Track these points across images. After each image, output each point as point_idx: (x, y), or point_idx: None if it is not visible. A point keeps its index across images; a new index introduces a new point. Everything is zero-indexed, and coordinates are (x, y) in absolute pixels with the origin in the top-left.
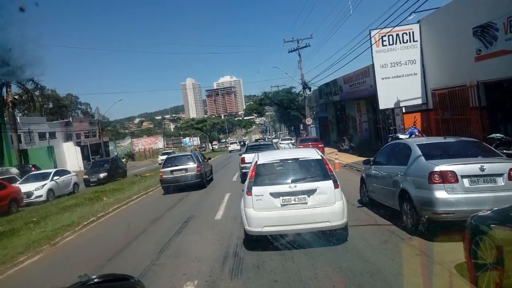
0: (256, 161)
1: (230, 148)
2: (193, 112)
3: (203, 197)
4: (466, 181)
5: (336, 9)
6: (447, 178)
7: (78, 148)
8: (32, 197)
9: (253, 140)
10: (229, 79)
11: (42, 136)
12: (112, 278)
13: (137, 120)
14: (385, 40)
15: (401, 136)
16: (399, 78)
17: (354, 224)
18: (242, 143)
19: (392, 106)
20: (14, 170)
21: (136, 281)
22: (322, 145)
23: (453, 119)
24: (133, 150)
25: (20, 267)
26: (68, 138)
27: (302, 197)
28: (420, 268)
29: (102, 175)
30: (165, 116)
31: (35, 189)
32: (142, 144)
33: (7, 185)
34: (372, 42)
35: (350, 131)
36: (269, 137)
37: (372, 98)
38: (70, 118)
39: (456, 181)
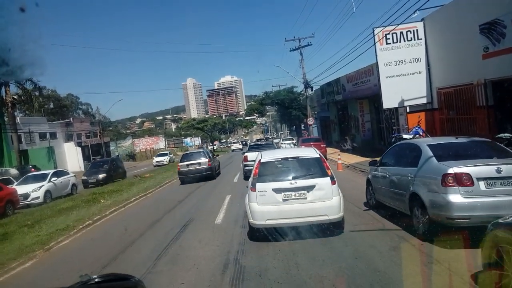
0: (260, 160)
1: (232, 147)
2: (194, 112)
3: (203, 199)
4: (482, 184)
5: (339, 7)
6: (462, 180)
7: (79, 149)
8: (29, 199)
9: (254, 140)
10: (230, 79)
11: (42, 136)
12: (113, 278)
13: (138, 120)
14: (389, 38)
15: (405, 136)
16: (404, 77)
17: (361, 229)
18: (244, 143)
19: (396, 105)
20: (14, 171)
21: (137, 280)
22: (325, 145)
23: (458, 118)
24: (134, 150)
25: (11, 273)
26: (69, 138)
27: (302, 192)
28: (436, 279)
29: (101, 176)
30: (166, 116)
31: (32, 190)
32: (143, 144)
33: (2, 186)
34: (376, 40)
35: (353, 131)
36: (269, 137)
37: (375, 97)
38: (71, 118)
39: (472, 184)
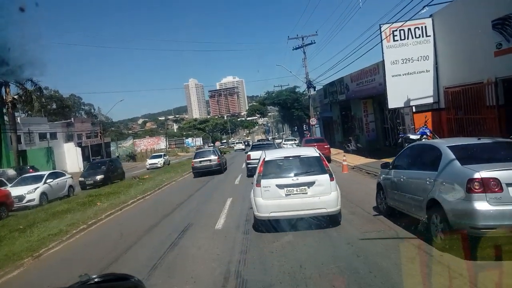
0: (264, 158)
1: (236, 147)
2: (196, 113)
3: (203, 202)
4: None
5: (344, 4)
6: (489, 186)
7: (79, 149)
8: (24, 201)
9: (256, 140)
10: (231, 80)
11: (42, 136)
12: (113, 278)
13: (140, 121)
14: (396, 35)
15: (411, 136)
16: (410, 76)
17: (373, 237)
18: (246, 143)
19: (401, 105)
20: (12, 172)
21: (137, 280)
22: (328, 145)
23: (467, 118)
24: (135, 151)
25: None
26: (69, 138)
27: (303, 188)
28: None
29: (98, 177)
30: (168, 117)
31: (27, 192)
32: (144, 144)
33: None
34: (383, 38)
35: (357, 131)
36: (270, 138)
37: (380, 97)
38: (72, 118)
39: (501, 190)
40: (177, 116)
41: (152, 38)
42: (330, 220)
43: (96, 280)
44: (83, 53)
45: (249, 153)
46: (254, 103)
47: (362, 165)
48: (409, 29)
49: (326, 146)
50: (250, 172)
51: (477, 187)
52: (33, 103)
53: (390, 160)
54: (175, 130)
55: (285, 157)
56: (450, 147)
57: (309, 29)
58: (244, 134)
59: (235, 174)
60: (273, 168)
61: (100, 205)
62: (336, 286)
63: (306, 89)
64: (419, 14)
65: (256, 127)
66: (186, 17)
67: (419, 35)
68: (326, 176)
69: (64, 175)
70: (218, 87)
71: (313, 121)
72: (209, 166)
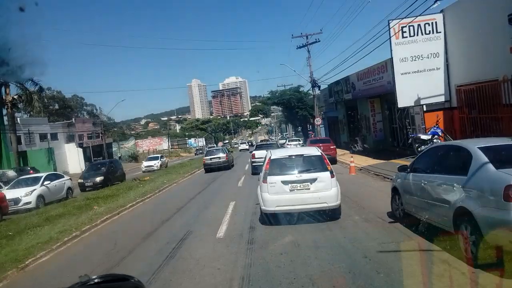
0: (270, 157)
1: (240, 148)
2: (198, 113)
3: (204, 206)
4: None
5: (350, 1)
6: None
7: (80, 150)
8: (20, 204)
9: (259, 140)
10: (234, 80)
11: (43, 137)
12: (113, 279)
13: (143, 121)
14: (405, 32)
15: (422, 136)
16: (420, 73)
17: (393, 249)
18: (250, 143)
19: (412, 104)
20: (12, 173)
21: (137, 281)
22: (334, 146)
23: (481, 118)
24: (137, 151)
25: None
26: (70, 139)
27: (306, 184)
28: None
29: (98, 179)
30: (171, 117)
31: (24, 195)
32: (146, 145)
33: None
34: (391, 34)
35: (363, 132)
36: (273, 138)
37: (388, 95)
38: (73, 119)
39: None
40: (179, 116)
41: (155, 37)
42: (331, 214)
43: (96, 281)
44: (85, 53)
45: (253, 152)
46: (257, 104)
47: (370, 167)
48: (418, 25)
49: (332, 147)
50: (255, 170)
51: None
52: (33, 103)
53: (400, 161)
54: (178, 131)
55: (289, 155)
56: (482, 149)
57: (314, 27)
58: (247, 135)
59: (239, 175)
60: (278, 166)
61: (96, 209)
62: None
63: (311, 88)
64: (429, 9)
65: (259, 127)
66: (188, 17)
67: (429, 31)
68: (327, 173)
69: (63, 176)
70: (221, 88)
71: (318, 121)
72: (218, 163)
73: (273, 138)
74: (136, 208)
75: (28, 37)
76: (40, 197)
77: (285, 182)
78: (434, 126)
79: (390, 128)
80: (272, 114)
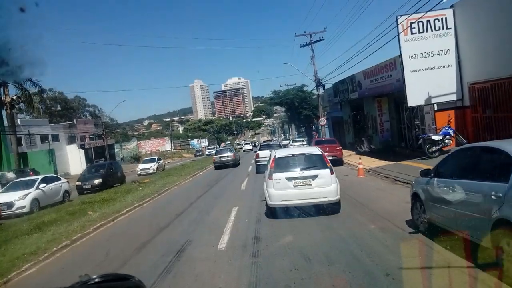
0: (275, 156)
1: (244, 148)
2: (201, 114)
3: (205, 211)
4: None
5: None
6: None
7: (82, 151)
8: (13, 209)
9: (262, 141)
10: (237, 80)
11: (44, 138)
12: (113, 278)
13: (146, 122)
14: (414, 28)
15: (433, 137)
16: (431, 71)
17: (418, 265)
18: (253, 144)
19: (422, 102)
20: (11, 175)
21: (137, 281)
22: (340, 147)
23: (496, 117)
24: (139, 152)
25: None
26: (72, 140)
27: (308, 180)
28: None
29: (96, 181)
30: (174, 118)
31: (18, 198)
32: (149, 146)
33: None
34: (400, 30)
35: (369, 132)
36: (275, 139)
37: (396, 94)
38: (74, 120)
39: None
40: (182, 117)
41: (156, 38)
42: (331, 207)
43: (96, 280)
44: (87, 54)
45: (258, 152)
46: (260, 104)
47: (378, 168)
48: (428, 21)
49: (338, 148)
50: (260, 169)
51: None
52: (33, 103)
53: (410, 163)
54: (181, 132)
55: (292, 154)
56: None
57: (318, 25)
58: (249, 136)
59: (241, 177)
60: (282, 164)
61: (91, 214)
62: None
63: (315, 88)
64: (439, 4)
65: (262, 128)
66: (190, 17)
67: (439, 27)
68: (327, 170)
69: (59, 179)
70: (223, 88)
71: (322, 121)
72: (227, 161)
73: (275, 138)
74: (133, 213)
75: (28, 38)
76: (35, 201)
77: (289, 179)
78: (446, 126)
79: (398, 128)
80: (275, 115)
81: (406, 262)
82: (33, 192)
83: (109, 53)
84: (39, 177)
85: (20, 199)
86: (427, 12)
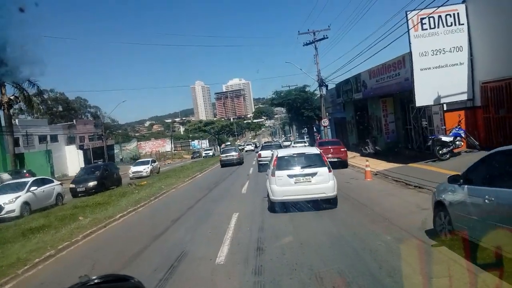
0: (277, 155)
1: (246, 149)
2: (202, 115)
3: (203, 218)
4: None
5: None
6: None
7: (81, 152)
8: (3, 213)
9: (263, 142)
10: (238, 82)
11: (43, 139)
12: (112, 279)
13: (147, 123)
14: (425, 24)
15: (443, 138)
16: (442, 69)
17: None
18: (255, 145)
19: (431, 102)
20: (6, 176)
21: (137, 282)
22: (345, 148)
23: (510, 118)
24: (139, 153)
25: None
26: (71, 141)
27: (308, 177)
28: None
29: (91, 184)
30: (175, 119)
31: (8, 202)
32: (149, 147)
33: None
34: (410, 26)
35: (374, 133)
36: (276, 140)
37: (402, 94)
38: (74, 120)
39: None
40: (183, 118)
41: (157, 39)
42: (329, 202)
43: (96, 281)
44: (88, 55)
45: (259, 152)
46: (261, 106)
47: (386, 171)
48: (439, 16)
49: (342, 149)
50: (262, 168)
51: None
52: (32, 103)
53: (418, 165)
54: (182, 133)
55: (293, 153)
56: None
57: (320, 24)
58: (250, 137)
59: (242, 180)
60: (284, 162)
61: (82, 219)
62: None
63: (318, 88)
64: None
65: (263, 129)
66: (191, 18)
67: (451, 23)
68: (325, 168)
69: (52, 181)
70: (224, 89)
71: (325, 122)
72: (232, 159)
73: (276, 139)
74: (127, 219)
75: (28, 37)
76: (26, 204)
77: (290, 176)
78: (456, 127)
79: (404, 129)
80: (276, 116)
81: (433, 283)
82: (23, 195)
83: (109, 53)
84: (31, 179)
85: (9, 202)
86: (438, 7)
